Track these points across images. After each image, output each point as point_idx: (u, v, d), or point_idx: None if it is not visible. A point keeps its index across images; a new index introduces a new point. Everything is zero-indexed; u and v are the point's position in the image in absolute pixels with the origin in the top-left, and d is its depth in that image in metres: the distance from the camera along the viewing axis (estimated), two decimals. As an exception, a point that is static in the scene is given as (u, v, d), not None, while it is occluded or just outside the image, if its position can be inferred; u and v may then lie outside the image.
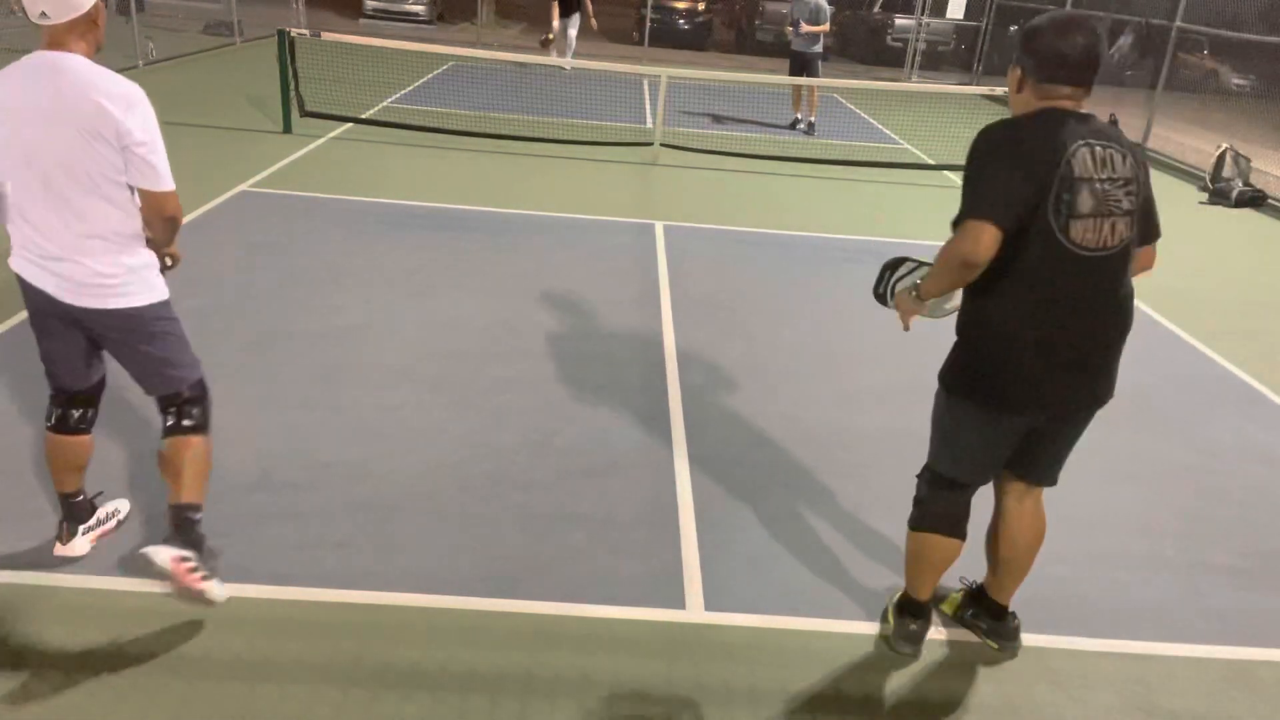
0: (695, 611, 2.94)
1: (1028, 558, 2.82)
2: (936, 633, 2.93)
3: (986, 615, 2.92)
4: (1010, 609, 2.91)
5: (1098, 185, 2.31)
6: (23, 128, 2.37)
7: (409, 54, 11.94)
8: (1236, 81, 14.61)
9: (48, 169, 2.39)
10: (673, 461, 3.78)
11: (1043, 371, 2.44)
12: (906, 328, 2.80)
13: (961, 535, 2.76)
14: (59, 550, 2.92)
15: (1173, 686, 2.79)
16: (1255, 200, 9.35)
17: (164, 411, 2.76)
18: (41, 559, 2.90)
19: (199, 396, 2.77)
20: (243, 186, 7.06)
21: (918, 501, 2.80)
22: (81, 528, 2.95)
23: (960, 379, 2.62)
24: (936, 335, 4.06)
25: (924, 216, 7.91)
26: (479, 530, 3.24)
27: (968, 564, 2.99)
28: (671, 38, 19.41)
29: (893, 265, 2.84)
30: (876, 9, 19.55)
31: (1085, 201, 2.30)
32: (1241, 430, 4.48)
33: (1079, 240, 2.31)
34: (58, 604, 2.73)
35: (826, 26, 10.67)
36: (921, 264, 2.74)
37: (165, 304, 2.65)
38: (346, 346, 4.52)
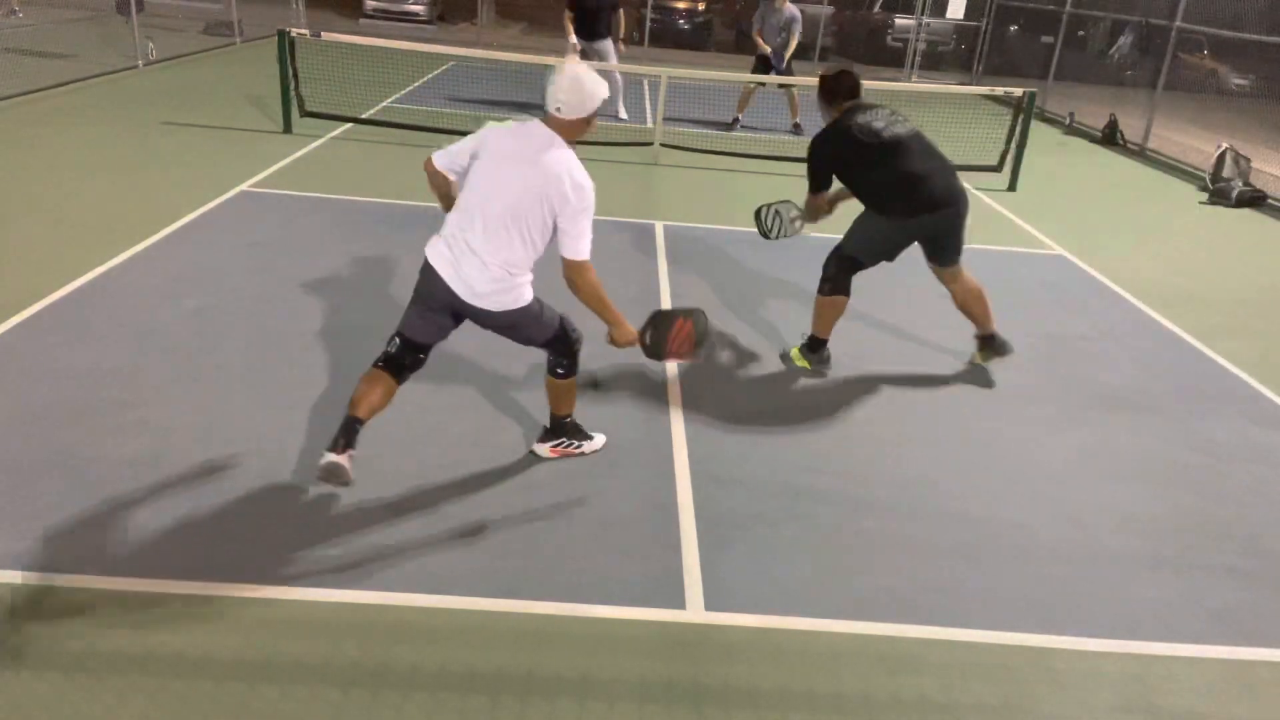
0: (695, 611, 2.94)
1: (981, 299, 4.72)
2: (937, 633, 2.93)
3: (989, 343, 4.79)
4: (992, 333, 4.77)
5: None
6: (505, 169, 3.11)
7: (409, 54, 11.93)
8: (1236, 81, 14.60)
9: (505, 203, 3.09)
10: (673, 461, 3.78)
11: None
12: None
13: (848, 294, 4.66)
14: (329, 457, 3.12)
15: (1173, 686, 2.79)
16: (1255, 200, 9.34)
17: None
18: (41, 559, 2.90)
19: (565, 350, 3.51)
20: (243, 186, 7.06)
21: (834, 278, 4.62)
22: (349, 452, 3.17)
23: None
24: (934, 335, 4.08)
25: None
26: (479, 530, 3.25)
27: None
28: (671, 38, 19.41)
29: (759, 215, 4.94)
30: (876, 9, 19.55)
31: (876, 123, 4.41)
32: (1241, 430, 4.48)
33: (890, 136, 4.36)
34: (58, 604, 2.73)
35: (797, 37, 10.75)
36: (777, 205, 4.92)
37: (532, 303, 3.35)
38: (347, 346, 4.52)
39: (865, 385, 4.62)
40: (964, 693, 2.70)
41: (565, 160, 3.08)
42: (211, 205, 6.54)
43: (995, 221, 7.96)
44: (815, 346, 4.75)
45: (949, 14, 18.06)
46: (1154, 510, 3.73)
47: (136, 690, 2.45)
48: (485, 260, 3.12)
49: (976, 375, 4.82)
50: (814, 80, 11.92)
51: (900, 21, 18.66)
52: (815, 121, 5.01)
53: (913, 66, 17.86)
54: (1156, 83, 11.93)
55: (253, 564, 2.96)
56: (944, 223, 4.43)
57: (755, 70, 10.93)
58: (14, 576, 2.82)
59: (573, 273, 3.21)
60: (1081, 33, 15.95)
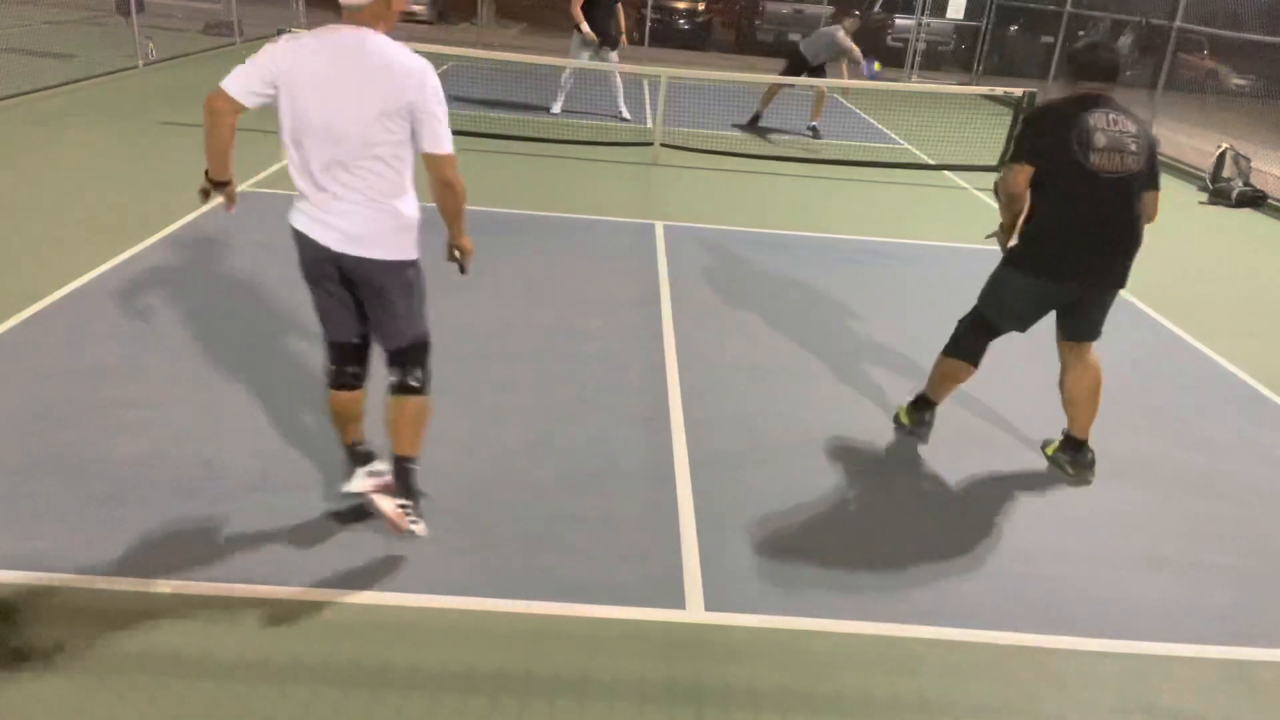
0: (695, 611, 2.94)
1: (1092, 398, 3.86)
2: (937, 633, 2.93)
3: (1070, 449, 3.92)
4: (1087, 442, 3.91)
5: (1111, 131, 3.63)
6: (327, 96, 2.64)
7: (409, 54, 11.91)
8: (1236, 81, 14.61)
9: (341, 135, 2.68)
10: (673, 461, 3.78)
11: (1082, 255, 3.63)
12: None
13: (976, 364, 3.95)
14: (346, 486, 3.12)
15: (1173, 686, 2.79)
16: (1255, 200, 9.35)
17: (391, 369, 2.98)
18: (42, 559, 2.90)
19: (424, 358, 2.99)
20: (243, 186, 7.05)
21: (958, 336, 3.95)
22: (362, 469, 3.10)
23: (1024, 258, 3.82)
24: (937, 336, 4.08)
25: (924, 217, 7.91)
26: (479, 531, 3.25)
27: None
28: (671, 38, 19.40)
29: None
30: (876, 9, 19.55)
31: (1100, 139, 3.60)
32: (1241, 430, 4.48)
33: (1099, 166, 3.56)
34: (58, 604, 2.73)
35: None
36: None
37: (415, 262, 2.90)
38: (346, 346, 4.52)
39: (865, 384, 4.62)
40: (964, 693, 2.70)
41: (393, 55, 2.62)
42: (211, 205, 6.52)
43: (996, 222, 7.94)
44: (920, 405, 4.13)
45: (949, 14, 18.06)
46: (1154, 510, 3.73)
47: (136, 690, 2.45)
48: (356, 200, 2.78)
49: (984, 381, 4.81)
50: (845, 82, 11.69)
51: (900, 21, 18.65)
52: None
53: (913, 66, 17.86)
54: (1156, 83, 11.93)
55: (253, 564, 2.96)
56: (1094, 295, 3.79)
57: (787, 70, 10.87)
58: (14, 576, 2.82)
59: (446, 168, 2.76)
60: (1081, 33, 15.92)
